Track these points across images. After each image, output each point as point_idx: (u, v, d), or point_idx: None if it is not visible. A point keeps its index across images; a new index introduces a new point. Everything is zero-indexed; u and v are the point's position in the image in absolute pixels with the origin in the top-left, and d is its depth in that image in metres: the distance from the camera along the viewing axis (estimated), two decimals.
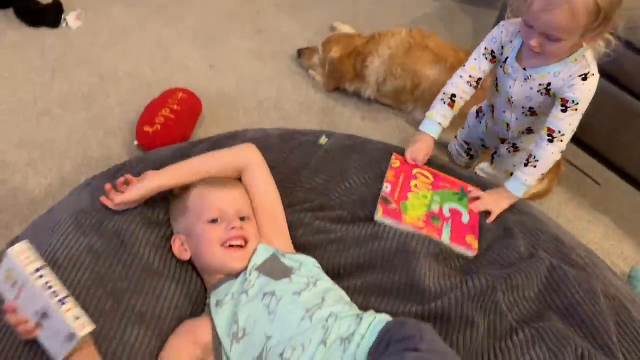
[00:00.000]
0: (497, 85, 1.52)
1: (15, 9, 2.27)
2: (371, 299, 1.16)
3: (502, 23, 1.44)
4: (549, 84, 1.36)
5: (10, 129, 1.90)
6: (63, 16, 2.32)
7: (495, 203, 1.38)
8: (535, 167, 1.37)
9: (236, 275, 1.10)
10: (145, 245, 1.18)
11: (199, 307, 1.15)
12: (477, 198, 1.39)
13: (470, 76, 1.47)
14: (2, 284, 0.92)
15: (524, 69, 1.39)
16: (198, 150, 1.39)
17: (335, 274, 1.21)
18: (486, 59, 1.47)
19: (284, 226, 1.22)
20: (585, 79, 1.30)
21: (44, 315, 0.90)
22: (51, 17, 2.28)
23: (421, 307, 1.11)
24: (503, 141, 1.68)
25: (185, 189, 1.21)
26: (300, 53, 2.40)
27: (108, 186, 1.20)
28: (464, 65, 1.50)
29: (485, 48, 1.46)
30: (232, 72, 2.33)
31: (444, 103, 1.48)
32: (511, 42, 1.41)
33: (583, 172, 2.21)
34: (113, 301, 1.08)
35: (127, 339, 1.04)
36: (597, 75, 1.32)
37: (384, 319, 1.00)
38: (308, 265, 1.14)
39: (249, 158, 1.26)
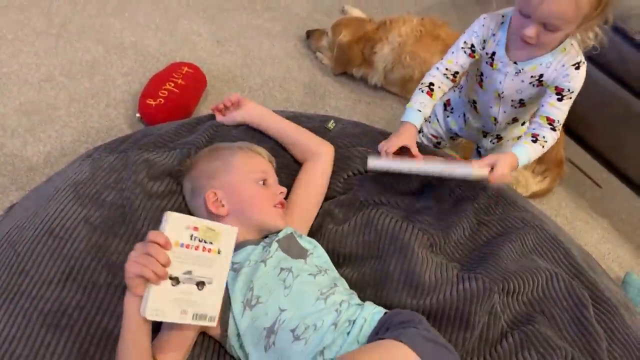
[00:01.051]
0: (481, 81, 1.50)
1: None
2: (367, 291, 1.15)
3: (483, 16, 1.41)
4: (541, 75, 1.36)
5: (11, 93, 1.88)
6: None
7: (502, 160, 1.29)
8: (542, 147, 1.35)
9: (257, 242, 1.12)
10: (144, 218, 1.18)
11: None
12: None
13: (446, 69, 1.44)
14: (182, 230, 0.90)
15: (515, 62, 1.38)
16: (204, 127, 1.37)
17: (335, 263, 1.20)
18: (465, 52, 1.43)
19: (310, 221, 1.27)
20: (578, 67, 1.32)
21: (201, 284, 0.91)
22: None
23: (415, 300, 1.11)
24: (485, 134, 1.66)
25: (220, 150, 1.23)
26: (309, 34, 2.37)
27: (220, 106, 1.41)
28: (442, 58, 1.47)
29: (465, 42, 1.43)
30: (239, 48, 2.30)
31: (422, 92, 1.43)
32: (494, 35, 1.39)
33: (584, 174, 2.20)
34: (107, 274, 1.08)
35: (121, 313, 1.03)
36: (586, 63, 1.33)
37: (382, 309, 1.03)
38: (319, 251, 1.16)
39: (324, 151, 1.34)
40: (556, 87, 1.34)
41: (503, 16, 1.39)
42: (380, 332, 0.95)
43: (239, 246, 1.10)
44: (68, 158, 1.70)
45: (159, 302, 0.87)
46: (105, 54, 2.11)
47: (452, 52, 1.45)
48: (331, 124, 1.46)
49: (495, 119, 1.57)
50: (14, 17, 2.12)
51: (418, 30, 2.16)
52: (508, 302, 1.17)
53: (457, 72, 1.45)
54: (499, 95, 1.47)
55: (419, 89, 1.44)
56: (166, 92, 1.89)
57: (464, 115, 1.69)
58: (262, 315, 1.00)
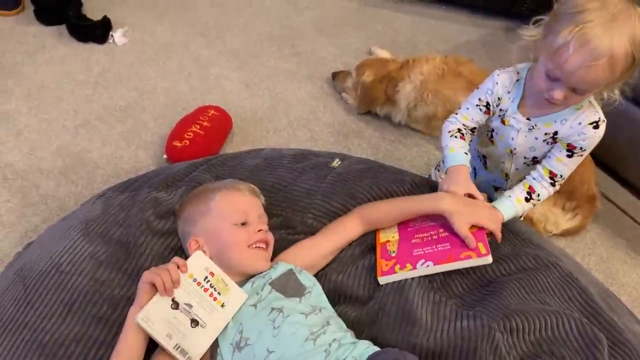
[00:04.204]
0: (491, 137, 1.45)
1: (67, 25, 2.41)
2: (364, 330, 1.14)
3: (496, 72, 1.36)
4: (555, 132, 1.31)
5: (49, 137, 2.00)
6: (110, 33, 2.44)
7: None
8: (534, 205, 1.31)
9: (244, 281, 1.12)
10: (148, 254, 1.21)
11: None
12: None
13: (463, 124, 1.41)
14: (201, 269, 1.05)
15: (528, 119, 1.33)
16: (207, 166, 1.42)
17: (335, 301, 1.20)
18: (480, 110, 1.39)
19: (316, 267, 1.25)
20: (597, 126, 1.26)
21: (196, 322, 1.00)
22: (99, 34, 2.40)
23: (412, 338, 1.08)
24: (496, 189, 1.60)
25: (203, 192, 1.23)
26: (335, 76, 2.42)
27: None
28: (456, 113, 1.43)
29: (480, 99, 1.39)
30: (266, 91, 2.37)
31: (456, 137, 1.39)
32: (509, 92, 1.34)
33: (622, 210, 2.10)
34: (107, 307, 1.11)
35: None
36: (605, 120, 1.27)
37: (374, 348, 1.02)
38: (317, 289, 1.15)
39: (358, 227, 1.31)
40: (569, 144, 1.29)
41: (518, 72, 1.34)
42: None
43: None
44: None
45: (153, 314, 0.97)
46: (139, 99, 2.22)
47: (467, 109, 1.41)
48: (336, 163, 1.47)
49: (507, 175, 1.52)
50: (56, 67, 2.28)
51: (440, 68, 2.17)
52: (514, 341, 1.11)
53: (474, 128, 1.43)
54: (511, 152, 1.42)
55: (452, 135, 1.40)
56: (191, 134, 1.97)
57: (474, 168, 1.64)
58: (251, 358, 1.00)
